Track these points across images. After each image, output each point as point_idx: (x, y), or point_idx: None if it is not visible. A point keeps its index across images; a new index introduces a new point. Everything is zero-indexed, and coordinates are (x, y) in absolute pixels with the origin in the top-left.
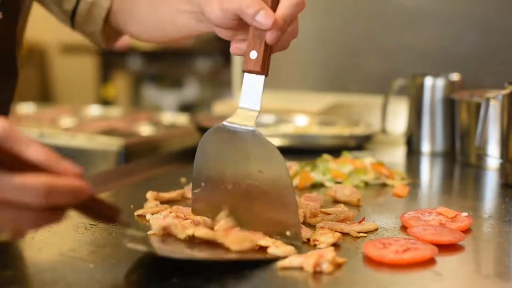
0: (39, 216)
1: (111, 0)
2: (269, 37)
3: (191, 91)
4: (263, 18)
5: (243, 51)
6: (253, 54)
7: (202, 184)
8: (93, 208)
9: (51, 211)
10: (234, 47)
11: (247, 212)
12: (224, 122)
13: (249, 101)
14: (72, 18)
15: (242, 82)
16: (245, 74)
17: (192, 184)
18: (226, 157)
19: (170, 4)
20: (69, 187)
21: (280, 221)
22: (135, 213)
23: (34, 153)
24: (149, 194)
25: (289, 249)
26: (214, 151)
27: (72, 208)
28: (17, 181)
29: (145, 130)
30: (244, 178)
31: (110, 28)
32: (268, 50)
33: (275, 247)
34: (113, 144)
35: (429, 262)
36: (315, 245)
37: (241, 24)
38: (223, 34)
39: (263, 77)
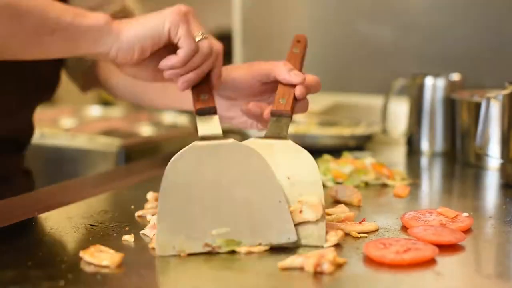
0: None
1: None
2: (298, 91)
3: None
4: (296, 75)
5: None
6: (283, 100)
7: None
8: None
9: None
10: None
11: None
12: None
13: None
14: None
15: None
16: (272, 115)
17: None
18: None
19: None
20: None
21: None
22: (136, 214)
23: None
24: (150, 195)
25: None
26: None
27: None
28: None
29: (145, 130)
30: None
31: (92, 77)
32: (294, 104)
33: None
34: (114, 144)
35: (430, 262)
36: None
37: (257, 90)
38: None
39: (289, 118)
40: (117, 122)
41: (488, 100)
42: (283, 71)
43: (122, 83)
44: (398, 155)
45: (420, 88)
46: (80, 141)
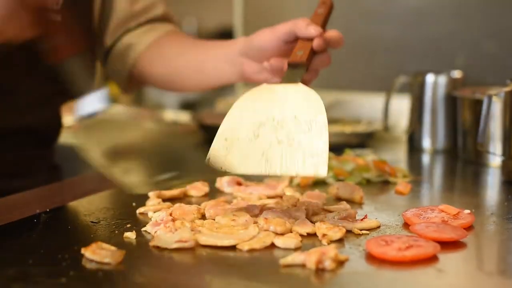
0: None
1: (145, 46)
2: (316, 43)
3: None
4: (314, 27)
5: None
6: (300, 52)
7: (225, 139)
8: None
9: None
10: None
11: (276, 154)
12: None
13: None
14: (106, 55)
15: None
16: (288, 67)
17: (215, 140)
18: (258, 110)
19: (205, 51)
20: None
21: (308, 153)
22: (137, 211)
23: None
24: (151, 192)
25: (294, 241)
26: (248, 106)
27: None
28: None
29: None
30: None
31: (134, 75)
32: (311, 56)
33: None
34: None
35: (432, 259)
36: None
37: (283, 50)
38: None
39: (304, 68)
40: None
41: (490, 97)
42: (302, 26)
43: (160, 71)
44: (399, 152)
45: (422, 86)
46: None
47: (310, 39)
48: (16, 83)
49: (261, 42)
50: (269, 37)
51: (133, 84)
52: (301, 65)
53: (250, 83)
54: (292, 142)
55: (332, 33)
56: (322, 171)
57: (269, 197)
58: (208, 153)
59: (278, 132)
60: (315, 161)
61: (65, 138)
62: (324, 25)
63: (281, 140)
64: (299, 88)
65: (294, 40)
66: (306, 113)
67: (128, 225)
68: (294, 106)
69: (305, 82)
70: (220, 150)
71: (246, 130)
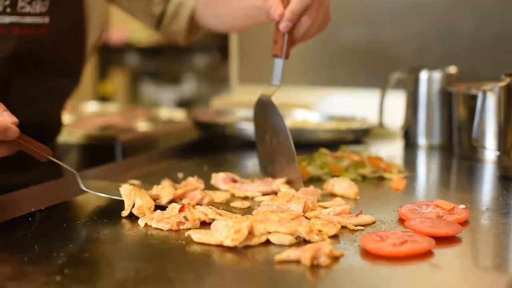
0: None
1: (195, 1)
2: (281, 25)
3: (189, 87)
4: (273, 11)
5: None
6: (275, 42)
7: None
8: (26, 147)
9: None
10: None
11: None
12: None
13: (274, 78)
14: (159, 21)
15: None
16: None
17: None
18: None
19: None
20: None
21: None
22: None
23: None
24: (166, 181)
25: (289, 238)
26: (257, 117)
27: (8, 145)
28: None
29: (142, 126)
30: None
31: (190, 25)
32: (284, 38)
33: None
34: (111, 140)
35: (427, 254)
36: (317, 235)
37: None
38: None
39: (282, 59)
40: (114, 117)
41: (484, 92)
42: (265, 9)
43: (213, 12)
44: (395, 148)
45: (417, 82)
46: (78, 137)
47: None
48: (12, 80)
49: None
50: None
51: (191, 34)
52: (279, 57)
53: (248, 81)
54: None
55: (292, 5)
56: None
57: (264, 194)
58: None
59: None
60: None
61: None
62: None
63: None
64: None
65: None
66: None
67: (123, 223)
68: (272, 123)
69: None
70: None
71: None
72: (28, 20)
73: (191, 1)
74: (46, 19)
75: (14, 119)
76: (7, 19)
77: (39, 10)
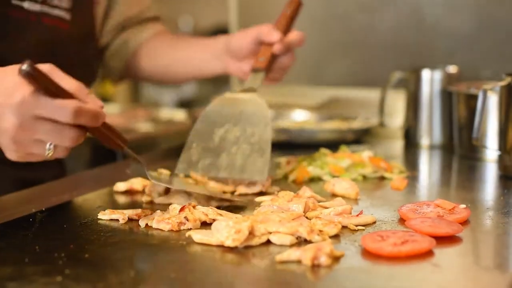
0: (67, 132)
1: (139, 42)
2: (276, 48)
3: (189, 87)
4: (274, 33)
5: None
6: (262, 58)
7: (194, 145)
8: (105, 134)
9: (77, 129)
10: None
11: (227, 160)
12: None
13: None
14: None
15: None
16: (251, 73)
17: (184, 147)
18: (222, 118)
19: (192, 46)
20: (92, 111)
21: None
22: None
23: (68, 84)
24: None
25: (289, 238)
26: (214, 115)
27: (90, 131)
28: (54, 101)
29: (142, 126)
30: (234, 133)
31: (129, 68)
32: (271, 61)
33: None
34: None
35: (427, 254)
36: (318, 235)
37: (254, 50)
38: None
39: (263, 72)
40: (115, 118)
41: (485, 92)
42: (264, 32)
43: (154, 64)
44: (395, 148)
45: (417, 81)
46: None
47: (272, 44)
48: None
49: (237, 43)
50: (243, 39)
51: (125, 78)
52: (261, 70)
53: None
54: (240, 150)
55: (293, 35)
56: (260, 178)
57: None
58: (180, 161)
59: (232, 140)
60: (255, 168)
61: None
62: (289, 25)
63: (233, 148)
64: (255, 100)
65: (262, 43)
66: (255, 126)
67: (124, 224)
68: (246, 118)
69: (274, 80)
70: (192, 156)
71: (212, 138)
72: (56, 12)
73: (136, 42)
74: (68, 16)
75: (101, 103)
76: (37, 7)
77: (65, 6)
